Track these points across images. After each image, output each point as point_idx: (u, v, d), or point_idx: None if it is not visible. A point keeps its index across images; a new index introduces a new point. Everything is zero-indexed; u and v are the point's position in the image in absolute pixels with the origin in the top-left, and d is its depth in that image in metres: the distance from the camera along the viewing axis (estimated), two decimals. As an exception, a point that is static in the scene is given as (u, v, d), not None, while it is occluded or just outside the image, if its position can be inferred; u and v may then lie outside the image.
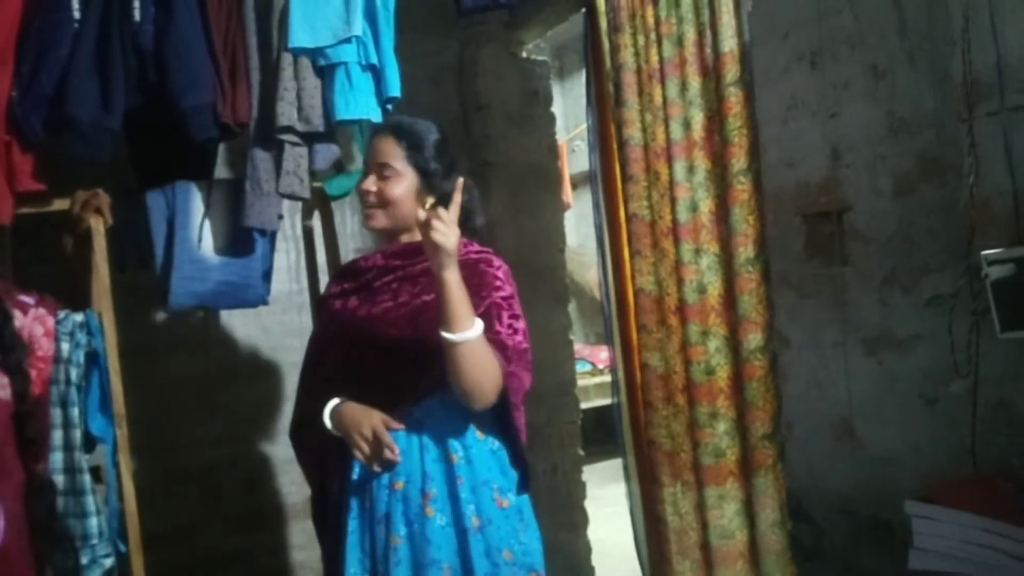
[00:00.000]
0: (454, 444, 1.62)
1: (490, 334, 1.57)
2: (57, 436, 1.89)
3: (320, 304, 1.89)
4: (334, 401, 1.65)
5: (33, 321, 1.78)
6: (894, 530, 1.86)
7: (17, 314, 1.69)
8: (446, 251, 1.45)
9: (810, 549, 2.31)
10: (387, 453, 1.57)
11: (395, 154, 1.66)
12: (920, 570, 1.71)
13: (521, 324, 1.68)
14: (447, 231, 1.45)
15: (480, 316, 1.55)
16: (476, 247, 1.74)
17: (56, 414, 1.89)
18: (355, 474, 1.66)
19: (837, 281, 2.23)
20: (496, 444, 1.68)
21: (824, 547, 2.30)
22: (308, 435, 1.75)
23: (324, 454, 1.72)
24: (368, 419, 1.59)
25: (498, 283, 1.67)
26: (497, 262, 1.72)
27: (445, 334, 1.49)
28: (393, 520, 1.59)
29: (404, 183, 1.66)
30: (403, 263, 1.69)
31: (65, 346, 1.91)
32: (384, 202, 1.66)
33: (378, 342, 1.64)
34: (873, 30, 2.09)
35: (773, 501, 2.32)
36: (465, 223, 1.66)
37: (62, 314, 1.93)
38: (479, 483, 1.62)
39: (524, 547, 1.65)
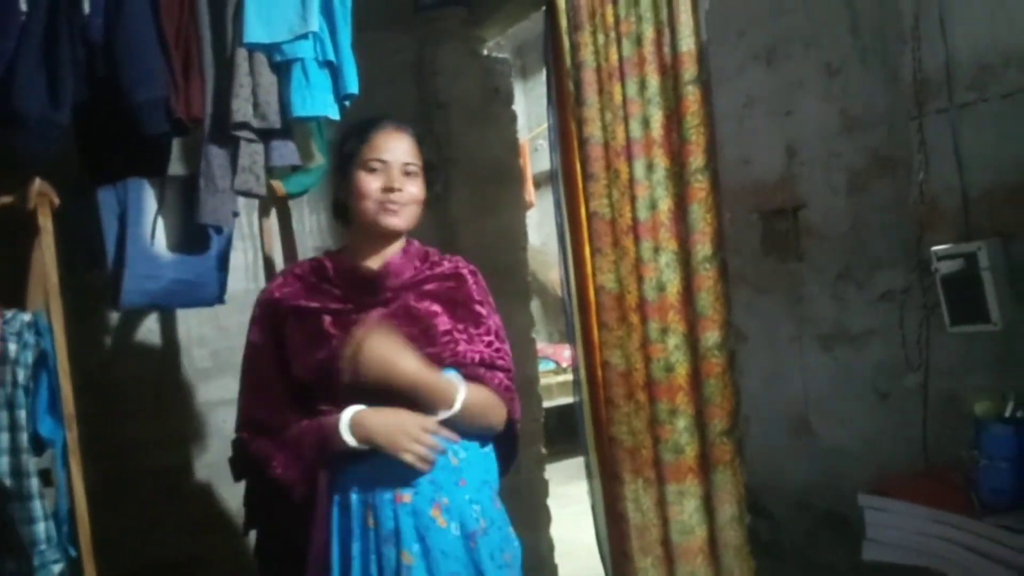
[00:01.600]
0: (454, 447, 1.57)
1: (491, 366, 1.66)
2: (3, 439, 1.85)
3: (279, 308, 1.68)
4: (351, 410, 1.53)
5: None
6: (849, 523, 1.88)
7: None
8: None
9: (768, 543, 2.33)
10: (433, 453, 1.51)
11: (413, 151, 1.66)
12: (873, 561, 1.73)
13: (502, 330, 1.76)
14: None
15: (479, 334, 1.65)
16: (442, 255, 1.79)
17: (2, 417, 1.84)
18: (353, 492, 1.54)
19: (793, 277, 2.25)
20: (488, 444, 1.67)
21: (782, 541, 2.33)
22: (270, 458, 1.59)
23: (305, 477, 1.56)
24: (409, 420, 1.50)
25: (485, 295, 1.76)
26: (473, 268, 1.79)
27: (441, 414, 1.53)
28: (403, 536, 1.51)
29: (421, 181, 1.67)
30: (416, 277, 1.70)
31: (12, 347, 1.87)
32: (409, 201, 1.64)
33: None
34: (826, 29, 2.11)
35: (731, 496, 2.34)
36: (429, 189, 1.72)
37: (9, 314, 1.89)
38: (480, 483, 1.60)
39: (515, 549, 1.64)
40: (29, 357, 1.86)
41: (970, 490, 1.58)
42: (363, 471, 1.54)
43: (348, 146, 1.67)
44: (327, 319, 1.62)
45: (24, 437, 1.85)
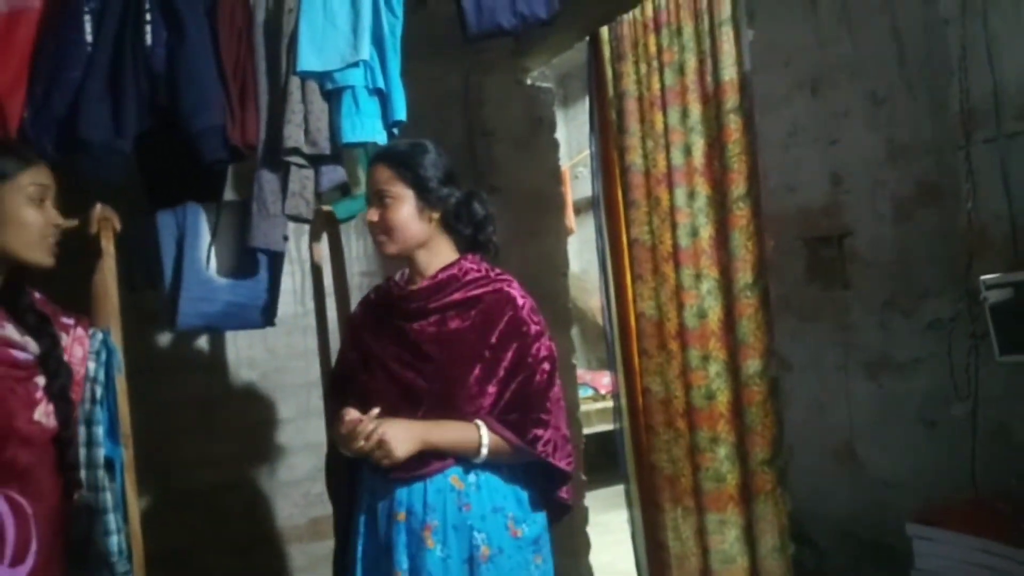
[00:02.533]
0: (458, 470, 1.60)
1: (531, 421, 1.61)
2: (81, 454, 1.90)
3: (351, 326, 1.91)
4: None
5: (73, 343, 1.77)
6: (895, 553, 1.86)
7: (62, 336, 1.69)
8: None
9: (812, 572, 2.30)
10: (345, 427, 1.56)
11: (388, 178, 1.67)
12: (922, 592, 1.71)
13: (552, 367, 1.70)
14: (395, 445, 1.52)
15: (509, 372, 1.62)
16: (493, 270, 1.74)
17: (81, 432, 1.89)
18: (366, 501, 1.66)
19: (838, 305, 2.25)
20: (510, 472, 1.65)
21: (826, 570, 2.30)
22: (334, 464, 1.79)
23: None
24: (340, 422, 1.60)
25: (525, 328, 1.67)
26: (519, 297, 1.71)
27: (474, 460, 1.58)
28: (395, 552, 1.57)
29: (403, 205, 1.67)
30: (429, 301, 1.69)
31: (92, 364, 1.92)
32: (387, 229, 1.67)
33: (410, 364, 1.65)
34: (872, 59, 2.12)
35: (773, 527, 2.32)
36: (477, 237, 1.72)
37: (91, 331, 1.95)
38: (490, 510, 1.59)
39: None
40: (102, 375, 1.91)
41: (1019, 520, 1.55)
42: (370, 482, 1.66)
43: None
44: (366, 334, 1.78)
45: (100, 453, 1.89)
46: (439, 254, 1.71)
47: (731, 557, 2.42)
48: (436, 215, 1.69)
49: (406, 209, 1.67)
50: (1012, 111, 1.78)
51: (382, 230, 1.68)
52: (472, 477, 1.60)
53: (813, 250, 2.33)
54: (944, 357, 1.92)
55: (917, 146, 2.03)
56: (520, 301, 1.69)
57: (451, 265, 1.69)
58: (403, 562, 1.55)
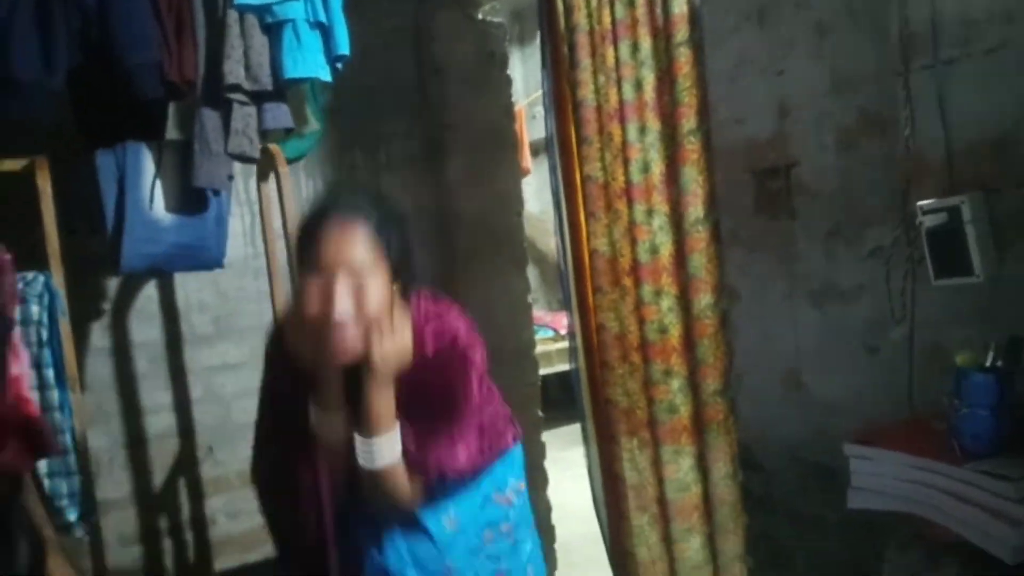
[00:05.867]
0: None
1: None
2: (35, 397, 1.89)
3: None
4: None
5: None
6: (837, 474, 1.92)
7: None
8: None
9: (760, 497, 2.37)
10: None
11: (364, 247, 1.31)
12: (859, 509, 1.77)
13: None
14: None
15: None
16: (433, 303, 1.49)
17: (31, 376, 1.88)
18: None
19: (785, 235, 2.28)
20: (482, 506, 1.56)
21: (773, 494, 2.37)
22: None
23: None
24: None
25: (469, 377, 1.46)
26: (463, 330, 1.48)
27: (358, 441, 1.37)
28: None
29: (382, 282, 1.33)
30: None
31: (34, 308, 1.90)
32: (367, 320, 1.32)
33: None
34: (817, -13, 2.12)
35: (725, 454, 2.38)
36: (400, 269, 1.38)
37: (29, 276, 1.91)
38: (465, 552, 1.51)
39: None
40: (46, 317, 1.89)
41: (951, 438, 1.61)
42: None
43: None
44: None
45: (55, 396, 1.89)
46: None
47: (686, 485, 2.48)
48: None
49: (385, 279, 1.33)
50: (949, 38, 1.80)
51: (363, 317, 1.30)
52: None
53: (760, 182, 2.35)
54: (885, 283, 1.96)
55: (860, 75, 2.04)
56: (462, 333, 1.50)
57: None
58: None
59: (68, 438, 2.00)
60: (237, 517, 2.93)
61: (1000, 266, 1.74)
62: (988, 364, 1.58)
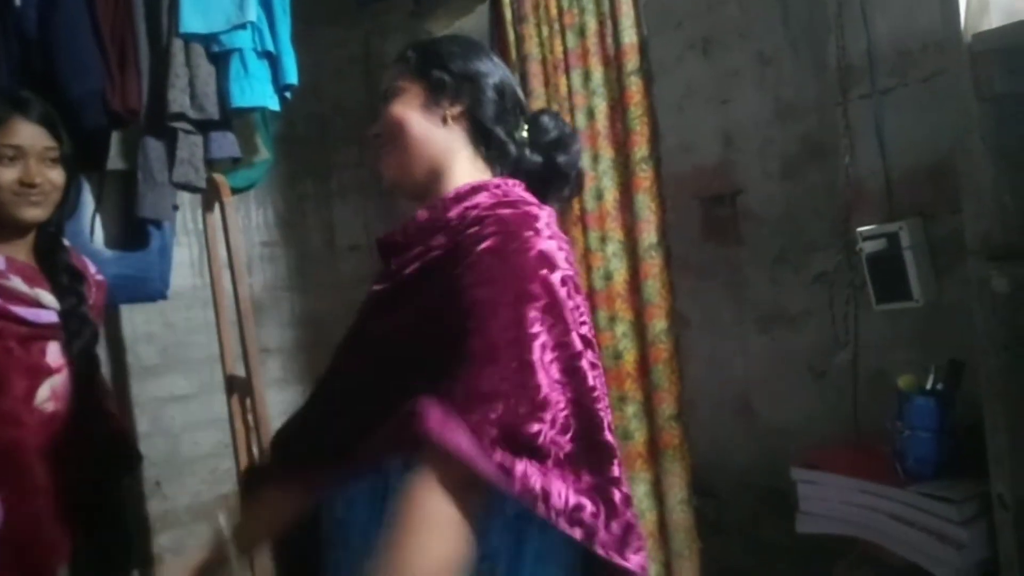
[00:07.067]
0: None
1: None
2: None
3: None
4: None
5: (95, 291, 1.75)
6: (786, 498, 1.93)
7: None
8: None
9: (714, 522, 2.37)
10: None
11: (394, 74, 1.18)
12: (808, 534, 1.78)
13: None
14: None
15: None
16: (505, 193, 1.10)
17: None
18: None
19: (732, 261, 2.30)
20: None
21: (727, 520, 2.37)
22: None
23: None
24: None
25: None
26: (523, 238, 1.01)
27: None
28: None
29: (407, 97, 1.14)
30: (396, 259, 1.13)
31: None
32: (385, 137, 1.16)
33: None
34: (759, 19, 2.16)
35: (680, 480, 2.38)
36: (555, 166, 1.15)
37: None
38: None
39: None
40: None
41: (895, 461, 1.63)
42: None
43: None
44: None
45: None
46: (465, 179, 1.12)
47: (641, 512, 2.48)
48: (456, 110, 1.13)
49: (411, 101, 1.14)
50: (885, 68, 1.84)
51: (382, 143, 1.16)
52: None
53: (708, 209, 2.37)
54: (829, 308, 1.99)
55: (802, 104, 2.08)
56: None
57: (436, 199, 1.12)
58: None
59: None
60: (185, 554, 2.86)
61: (938, 290, 1.77)
62: (929, 387, 1.61)
